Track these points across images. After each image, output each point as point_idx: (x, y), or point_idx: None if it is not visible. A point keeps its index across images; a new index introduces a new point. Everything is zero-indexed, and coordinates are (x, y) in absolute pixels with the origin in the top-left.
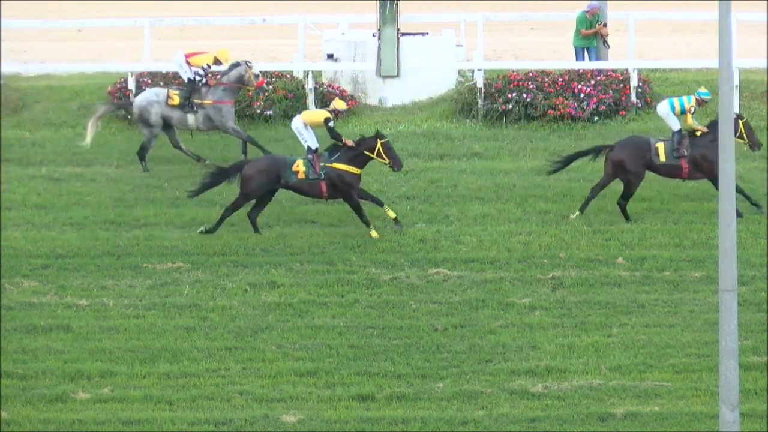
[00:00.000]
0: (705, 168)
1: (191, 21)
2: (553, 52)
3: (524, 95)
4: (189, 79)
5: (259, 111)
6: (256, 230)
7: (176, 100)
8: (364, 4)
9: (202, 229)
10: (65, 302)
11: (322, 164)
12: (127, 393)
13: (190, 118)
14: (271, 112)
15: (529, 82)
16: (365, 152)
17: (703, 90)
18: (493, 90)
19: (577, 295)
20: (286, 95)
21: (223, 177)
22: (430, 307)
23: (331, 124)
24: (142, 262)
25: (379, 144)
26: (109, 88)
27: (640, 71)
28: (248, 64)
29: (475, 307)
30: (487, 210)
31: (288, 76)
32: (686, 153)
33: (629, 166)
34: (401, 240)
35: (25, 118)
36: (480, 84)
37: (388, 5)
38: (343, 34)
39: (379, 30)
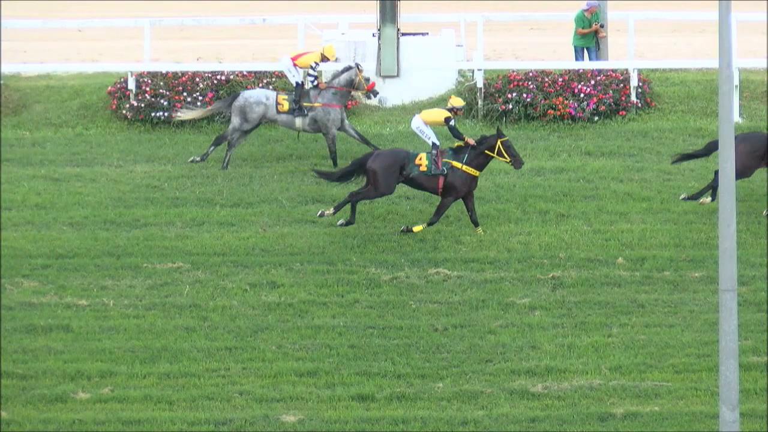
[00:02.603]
0: None
1: (191, 21)
2: (553, 52)
3: (524, 95)
4: (297, 83)
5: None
6: (341, 206)
7: (286, 106)
8: (364, 4)
9: (341, 221)
10: (65, 302)
11: (444, 161)
12: (127, 393)
13: (298, 121)
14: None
15: (529, 82)
16: (486, 152)
17: None
18: (493, 90)
19: (577, 295)
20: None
21: (348, 175)
22: (430, 307)
23: (452, 123)
24: (142, 262)
25: (498, 143)
26: (109, 88)
27: (640, 71)
28: (359, 67)
29: (475, 307)
30: (487, 210)
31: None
32: None
33: (739, 159)
34: (401, 240)
35: (25, 118)
36: (480, 84)
37: (388, 5)
38: (343, 34)
39: (379, 30)
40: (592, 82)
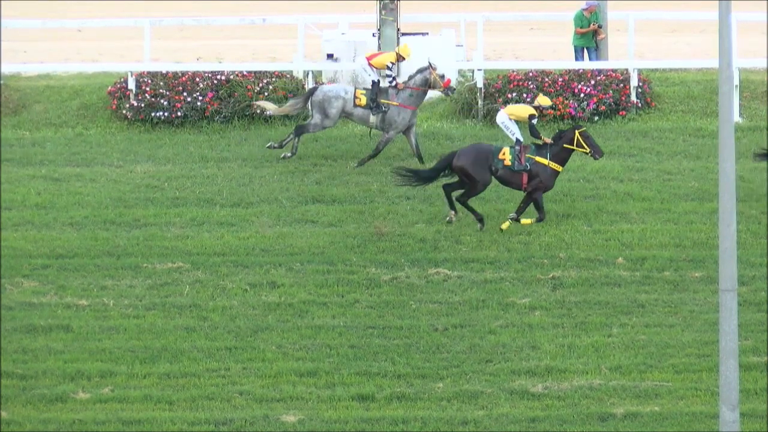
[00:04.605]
0: None
1: (191, 21)
2: (553, 52)
3: (524, 95)
4: (373, 81)
5: (259, 111)
6: (451, 205)
7: (363, 101)
8: (364, 4)
9: (480, 226)
10: (65, 302)
11: (527, 156)
12: (127, 393)
13: (372, 118)
14: (270, 112)
15: (529, 82)
16: (565, 146)
17: None
18: (493, 90)
19: (577, 295)
20: (286, 95)
21: (431, 179)
22: (430, 307)
23: (534, 121)
24: (142, 262)
25: (576, 134)
26: (109, 88)
27: (640, 71)
28: (432, 66)
29: (475, 307)
30: (487, 210)
31: (288, 76)
32: None
33: None
34: (401, 240)
35: (25, 118)
36: (480, 84)
37: (388, 5)
38: (343, 34)
39: (379, 30)
40: (592, 82)
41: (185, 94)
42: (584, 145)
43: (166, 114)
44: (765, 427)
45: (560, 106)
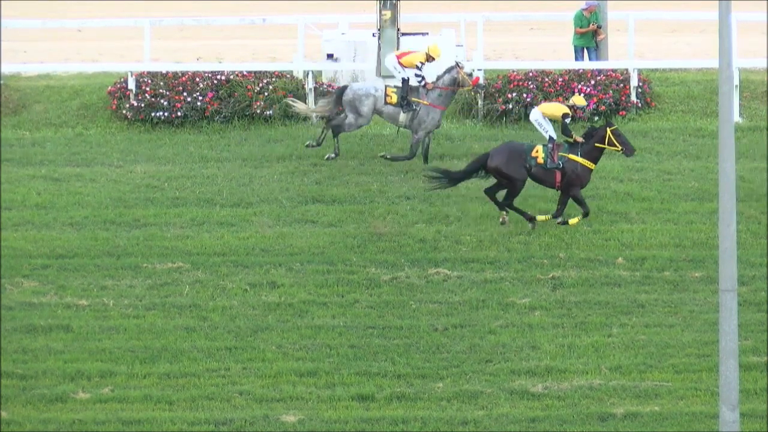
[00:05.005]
0: None
1: (191, 21)
2: (553, 52)
3: (524, 95)
4: (403, 79)
5: (259, 111)
6: (500, 207)
7: (394, 99)
8: (364, 4)
9: (531, 225)
10: (65, 302)
11: (560, 154)
12: (127, 393)
13: (402, 116)
14: (270, 112)
15: (529, 82)
16: (596, 144)
17: None
18: (493, 90)
19: (577, 295)
20: (286, 95)
21: (464, 177)
22: (430, 307)
23: (567, 120)
24: (142, 262)
25: (608, 132)
26: (109, 88)
27: (640, 71)
28: (459, 65)
29: (475, 307)
30: (487, 210)
31: (288, 76)
32: None
33: None
34: (401, 240)
35: (25, 118)
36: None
37: (388, 5)
38: (343, 34)
39: (379, 30)
40: (592, 82)
41: (185, 94)
42: (615, 143)
43: (166, 114)
44: (765, 427)
45: None
